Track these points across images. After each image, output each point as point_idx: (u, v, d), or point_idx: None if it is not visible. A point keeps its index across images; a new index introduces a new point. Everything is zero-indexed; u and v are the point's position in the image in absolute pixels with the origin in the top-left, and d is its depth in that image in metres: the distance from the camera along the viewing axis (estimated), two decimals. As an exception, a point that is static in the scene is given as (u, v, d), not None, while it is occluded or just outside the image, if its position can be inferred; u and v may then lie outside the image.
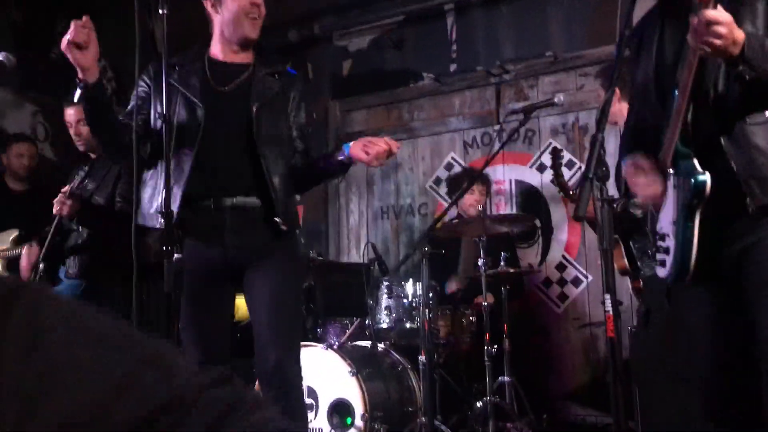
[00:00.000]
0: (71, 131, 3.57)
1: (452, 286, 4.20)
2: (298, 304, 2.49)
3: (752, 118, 1.69)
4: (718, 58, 1.62)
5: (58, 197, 3.09)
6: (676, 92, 1.73)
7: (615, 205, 3.04)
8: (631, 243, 3.09)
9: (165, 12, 2.18)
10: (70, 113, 3.54)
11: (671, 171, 1.77)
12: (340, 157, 2.41)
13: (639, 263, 3.03)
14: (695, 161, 1.71)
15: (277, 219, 2.34)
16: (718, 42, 1.53)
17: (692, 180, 1.69)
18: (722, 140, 1.71)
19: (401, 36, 5.40)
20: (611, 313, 1.45)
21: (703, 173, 1.68)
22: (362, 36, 5.58)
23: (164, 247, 2.04)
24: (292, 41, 5.66)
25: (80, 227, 3.30)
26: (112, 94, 2.59)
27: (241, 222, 2.35)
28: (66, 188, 3.12)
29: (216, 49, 2.49)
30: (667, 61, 1.84)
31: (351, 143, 2.40)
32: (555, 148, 3.68)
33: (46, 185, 3.84)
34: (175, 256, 2.07)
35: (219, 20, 2.46)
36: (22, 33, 4.85)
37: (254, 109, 2.38)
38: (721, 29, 1.52)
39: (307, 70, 5.76)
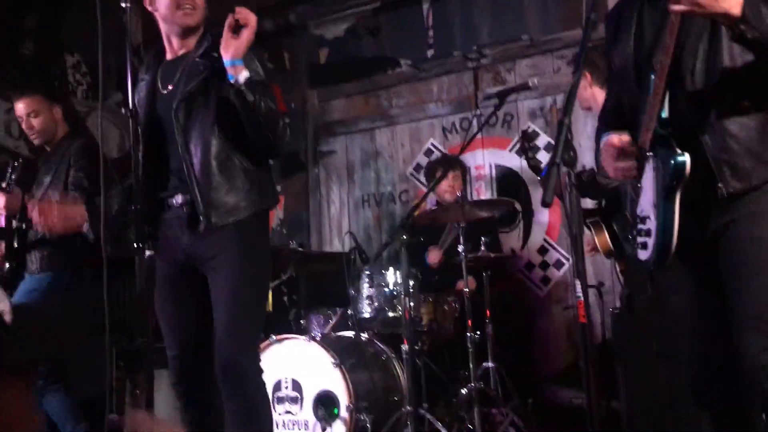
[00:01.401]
0: (23, 125, 3.53)
1: (432, 257, 4.17)
2: (255, 297, 2.37)
3: (730, 105, 1.70)
4: (720, 23, 1.59)
5: None
6: (653, 76, 1.73)
7: (583, 176, 3.05)
8: (613, 224, 3.10)
9: (128, 5, 2.14)
10: (20, 107, 3.49)
11: (650, 154, 1.77)
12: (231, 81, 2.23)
13: (623, 243, 3.04)
14: (673, 143, 1.71)
15: (201, 218, 2.24)
16: None
17: (671, 161, 1.69)
18: (697, 125, 1.71)
19: (377, 23, 5.36)
20: (582, 298, 1.44)
21: (682, 154, 1.69)
22: (338, 23, 5.54)
23: (136, 244, 2.02)
24: (267, 30, 5.60)
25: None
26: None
27: (192, 218, 2.29)
28: (3, 184, 3.10)
29: (167, 47, 2.45)
30: (646, 45, 1.83)
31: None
32: (524, 131, 3.67)
33: None
34: (147, 252, 2.06)
35: (158, 17, 2.40)
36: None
37: (176, 101, 2.30)
38: None
39: (284, 59, 5.72)
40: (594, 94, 3.12)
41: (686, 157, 1.69)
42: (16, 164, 3.28)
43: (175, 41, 2.42)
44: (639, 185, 1.86)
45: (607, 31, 2.00)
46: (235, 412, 2.24)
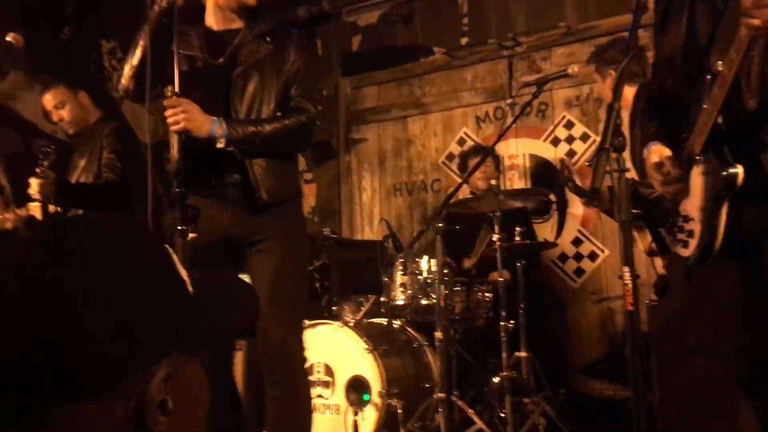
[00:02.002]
0: (54, 118, 3.54)
1: (467, 264, 4.20)
2: (300, 282, 2.40)
3: None
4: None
5: (31, 179, 3.11)
6: (708, 77, 1.69)
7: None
8: (660, 231, 3.06)
9: None
10: (47, 99, 3.50)
11: (699, 158, 1.74)
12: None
13: (667, 239, 3.00)
14: (726, 152, 1.68)
15: (257, 195, 2.26)
16: None
17: (724, 172, 1.66)
18: (750, 134, 1.67)
19: (411, 10, 5.34)
20: (630, 286, 1.42)
21: (735, 166, 1.65)
22: (371, 11, 5.52)
23: (179, 227, 2.02)
24: (300, 17, 5.61)
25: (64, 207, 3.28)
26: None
27: (240, 198, 2.29)
28: (38, 169, 3.13)
29: (210, 19, 2.41)
30: (699, 40, 1.78)
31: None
32: (563, 160, 3.63)
33: None
34: (190, 235, 2.06)
35: None
36: (31, 14, 4.83)
37: (233, 76, 2.30)
38: None
39: (317, 46, 5.72)
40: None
41: (739, 170, 1.65)
42: (48, 150, 3.29)
43: (226, 15, 2.38)
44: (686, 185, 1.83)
45: (655, 15, 1.96)
46: (281, 398, 2.25)
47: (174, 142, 2.24)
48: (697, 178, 1.76)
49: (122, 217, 0.84)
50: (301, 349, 2.34)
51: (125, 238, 0.78)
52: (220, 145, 2.19)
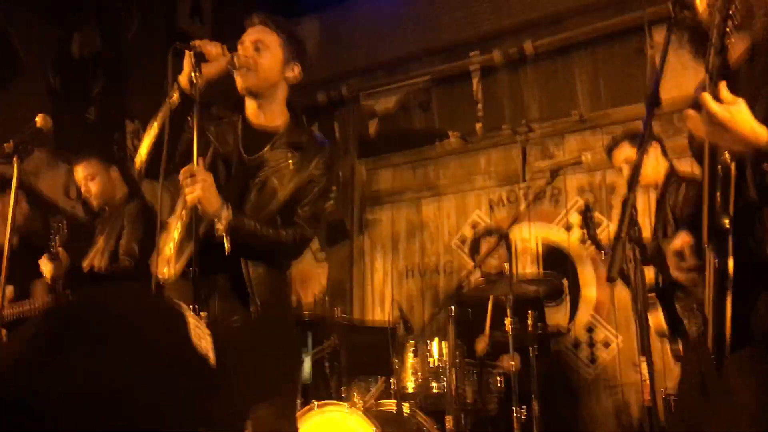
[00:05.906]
0: (82, 189, 3.61)
1: (480, 347, 4.13)
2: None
3: None
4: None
5: (41, 259, 3.11)
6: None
7: (647, 248, 2.98)
8: (676, 303, 3.01)
9: (199, 73, 2.19)
10: (78, 171, 3.58)
11: (708, 245, 1.74)
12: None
13: (685, 322, 2.94)
14: (728, 239, 1.66)
15: (251, 308, 2.24)
16: (718, 133, 1.48)
17: (717, 261, 1.65)
18: (745, 223, 1.67)
19: (427, 96, 5.48)
20: (648, 381, 1.40)
21: (726, 256, 1.64)
22: (389, 96, 5.67)
23: (191, 305, 2.03)
24: (319, 102, 5.77)
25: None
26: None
27: (229, 290, 2.28)
28: (55, 251, 3.14)
29: (248, 110, 2.40)
30: None
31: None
32: (586, 204, 3.62)
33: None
34: (202, 314, 2.06)
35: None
36: (59, 96, 5.00)
37: (253, 182, 2.31)
38: (718, 117, 1.47)
39: (334, 130, 5.85)
40: (659, 167, 3.12)
41: (729, 263, 1.62)
42: (59, 226, 3.28)
43: (262, 104, 2.37)
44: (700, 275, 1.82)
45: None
46: None
47: (176, 224, 2.28)
48: (708, 267, 1.75)
49: (136, 288, 0.79)
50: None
51: (141, 315, 0.75)
52: (219, 226, 2.19)
